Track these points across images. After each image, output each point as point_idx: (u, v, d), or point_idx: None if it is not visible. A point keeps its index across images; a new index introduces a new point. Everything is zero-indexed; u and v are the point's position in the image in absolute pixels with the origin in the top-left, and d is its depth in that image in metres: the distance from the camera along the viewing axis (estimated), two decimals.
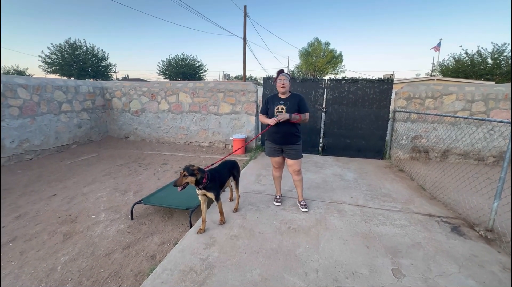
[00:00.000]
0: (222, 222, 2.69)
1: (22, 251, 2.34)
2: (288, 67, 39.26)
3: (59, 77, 23.96)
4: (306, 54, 30.89)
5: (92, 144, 6.59)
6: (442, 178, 4.09)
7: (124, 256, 2.28)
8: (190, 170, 2.29)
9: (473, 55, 18.45)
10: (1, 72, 24.98)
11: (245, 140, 5.92)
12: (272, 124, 2.80)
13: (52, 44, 25.60)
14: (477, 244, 2.42)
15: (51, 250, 2.36)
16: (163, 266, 2.05)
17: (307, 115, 2.85)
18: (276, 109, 2.86)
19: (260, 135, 6.44)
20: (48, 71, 25.69)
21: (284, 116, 2.74)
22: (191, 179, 2.30)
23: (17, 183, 3.94)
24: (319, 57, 29.93)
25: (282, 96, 2.90)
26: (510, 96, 4.94)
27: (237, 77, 40.85)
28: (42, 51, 31.05)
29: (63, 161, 5.14)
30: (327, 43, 30.11)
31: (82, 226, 2.78)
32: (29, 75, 24.65)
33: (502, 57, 17.27)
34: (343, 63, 30.89)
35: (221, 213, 2.69)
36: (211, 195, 2.49)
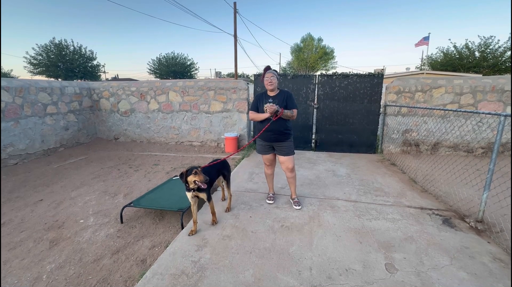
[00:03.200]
0: (214, 222, 2.65)
1: (5, 260, 2.24)
2: (279, 63, 39.22)
3: (45, 78, 23.29)
4: (297, 50, 30.88)
5: (81, 146, 6.43)
6: (433, 171, 4.13)
7: (114, 262, 2.22)
8: (196, 167, 2.36)
9: (461, 49, 18.76)
10: None
11: (237, 139, 5.86)
12: (268, 116, 2.75)
13: (37, 44, 24.77)
14: (467, 236, 2.45)
15: (36, 258, 2.27)
16: (153, 271, 1.99)
17: (295, 111, 2.81)
18: (265, 107, 2.82)
19: (252, 132, 6.40)
20: (34, 73, 24.95)
21: (274, 107, 2.68)
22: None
23: (1, 189, 3.79)
24: (311, 53, 29.96)
25: (271, 94, 2.87)
26: (510, 89, 5.00)
27: (229, 75, 40.63)
28: (27, 52, 30.16)
29: (50, 165, 4.98)
30: (320, 39, 30.18)
31: (69, 231, 2.69)
32: (13, 77, 23.87)
33: (488, 50, 17.62)
34: (335, 60, 31.05)
35: (213, 213, 2.64)
36: (203, 195, 2.44)
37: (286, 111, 2.73)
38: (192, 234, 2.45)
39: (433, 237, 2.42)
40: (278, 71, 2.97)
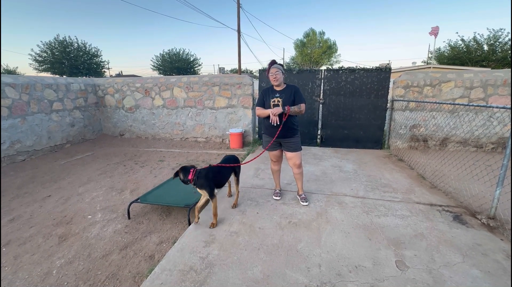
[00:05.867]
0: (213, 225, 2.50)
1: (16, 255, 2.27)
2: (283, 58, 38.83)
3: (50, 75, 23.43)
4: (301, 45, 30.56)
5: (87, 142, 6.47)
6: (442, 167, 4.06)
7: (122, 257, 2.23)
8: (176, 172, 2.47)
9: (469, 42, 18.33)
10: None
11: (242, 135, 5.83)
12: (269, 113, 2.67)
13: (41, 41, 24.91)
14: (479, 233, 2.40)
15: (46, 253, 2.29)
16: (162, 266, 1.99)
17: (302, 106, 2.74)
18: (272, 101, 2.78)
19: (257, 128, 6.36)
20: (39, 70, 25.12)
21: (278, 110, 2.63)
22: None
23: (10, 185, 3.83)
24: (315, 47, 29.63)
25: (277, 88, 2.82)
26: (510, 82, 4.88)
27: (232, 71, 40.39)
28: (32, 49, 30.35)
29: (57, 161, 5.03)
30: (322, 33, 29.83)
31: (78, 227, 2.71)
32: (18, 74, 24.05)
33: (497, 43, 17.18)
34: (338, 53, 30.69)
35: (215, 214, 2.50)
36: (203, 192, 2.42)
37: (293, 107, 2.68)
38: (196, 223, 2.52)
39: (444, 234, 2.38)
40: (283, 66, 2.91)
